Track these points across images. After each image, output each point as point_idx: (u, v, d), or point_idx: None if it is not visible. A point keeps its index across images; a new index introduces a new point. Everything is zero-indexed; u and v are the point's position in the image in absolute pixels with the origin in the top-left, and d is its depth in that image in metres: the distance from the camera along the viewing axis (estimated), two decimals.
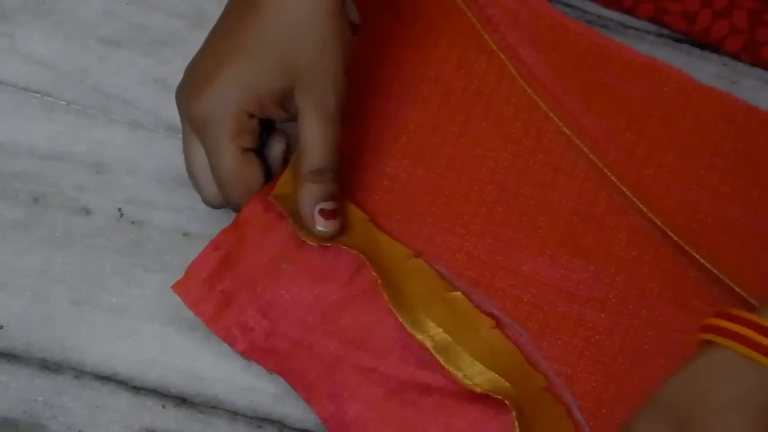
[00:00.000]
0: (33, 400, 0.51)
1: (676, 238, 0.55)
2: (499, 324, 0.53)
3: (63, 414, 0.51)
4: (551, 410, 0.51)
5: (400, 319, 0.50)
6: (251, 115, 0.50)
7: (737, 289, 0.54)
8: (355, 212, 0.54)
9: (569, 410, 0.51)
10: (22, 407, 0.51)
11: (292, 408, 0.52)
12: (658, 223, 0.55)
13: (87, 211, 0.55)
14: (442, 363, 0.50)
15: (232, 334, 0.51)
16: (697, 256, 0.55)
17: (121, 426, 0.51)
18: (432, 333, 0.51)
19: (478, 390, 0.49)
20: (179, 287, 0.51)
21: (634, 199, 0.56)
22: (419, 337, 0.50)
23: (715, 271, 0.54)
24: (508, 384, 0.50)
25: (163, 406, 0.51)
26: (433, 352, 0.50)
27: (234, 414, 0.51)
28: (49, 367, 0.51)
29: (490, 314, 0.53)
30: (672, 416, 0.43)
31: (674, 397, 0.43)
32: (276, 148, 0.52)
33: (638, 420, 0.44)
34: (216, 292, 0.52)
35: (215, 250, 0.52)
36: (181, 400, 0.51)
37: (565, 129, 0.57)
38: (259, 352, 0.51)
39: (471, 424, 0.50)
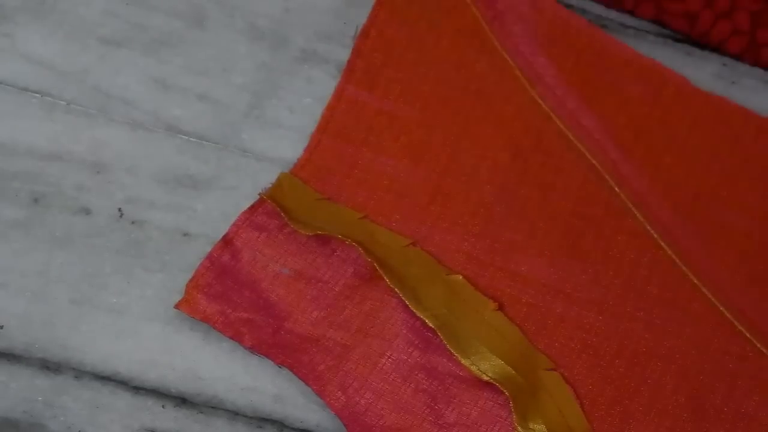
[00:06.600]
0: (33, 400, 0.51)
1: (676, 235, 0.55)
2: (502, 306, 0.53)
3: (63, 414, 0.51)
4: (559, 391, 0.51)
5: (402, 297, 0.51)
6: None
7: (737, 292, 0.54)
8: (347, 213, 0.54)
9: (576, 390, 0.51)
10: (22, 407, 0.51)
11: (292, 408, 0.52)
12: (658, 225, 0.55)
13: (87, 211, 0.55)
14: (447, 344, 0.50)
15: (240, 331, 0.51)
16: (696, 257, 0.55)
17: (121, 426, 0.51)
18: (435, 312, 0.51)
19: (485, 378, 0.50)
20: (183, 305, 0.52)
21: (633, 199, 0.56)
22: (422, 315, 0.51)
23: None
24: (514, 371, 0.50)
25: (163, 406, 0.51)
26: (437, 331, 0.50)
27: (234, 414, 0.51)
28: (49, 367, 0.52)
29: (493, 297, 0.53)
30: None
31: None
32: None
33: None
34: (219, 298, 0.52)
35: (212, 263, 0.52)
36: (181, 400, 0.52)
37: (565, 130, 0.57)
38: (267, 347, 0.51)
39: (483, 413, 0.50)
